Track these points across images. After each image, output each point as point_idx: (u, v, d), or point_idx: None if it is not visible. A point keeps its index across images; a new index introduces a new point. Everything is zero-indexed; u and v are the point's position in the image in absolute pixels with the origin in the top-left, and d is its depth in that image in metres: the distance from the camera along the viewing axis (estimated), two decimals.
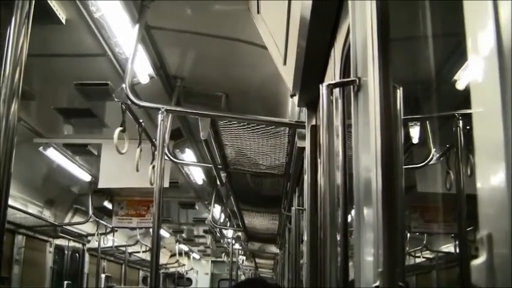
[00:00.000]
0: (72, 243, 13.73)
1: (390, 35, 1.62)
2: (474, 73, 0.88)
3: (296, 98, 4.03)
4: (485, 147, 0.87)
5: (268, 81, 6.15)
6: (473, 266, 0.91)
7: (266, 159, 7.07)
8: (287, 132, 5.85)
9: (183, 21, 5.78)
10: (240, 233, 16.50)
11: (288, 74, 3.97)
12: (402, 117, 1.80)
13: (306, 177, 3.97)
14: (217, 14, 5.58)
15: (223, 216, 14.36)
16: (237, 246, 18.99)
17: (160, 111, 5.01)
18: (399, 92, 1.77)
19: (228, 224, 15.55)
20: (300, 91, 3.83)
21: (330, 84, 2.13)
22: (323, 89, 2.09)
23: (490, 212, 0.87)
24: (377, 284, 1.46)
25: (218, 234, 16.57)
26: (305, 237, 4.08)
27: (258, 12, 4.74)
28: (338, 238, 2.40)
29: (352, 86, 1.95)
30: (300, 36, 3.15)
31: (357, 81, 1.89)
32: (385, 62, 1.50)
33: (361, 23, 1.82)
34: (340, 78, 2.64)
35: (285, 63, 4.01)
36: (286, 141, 6.16)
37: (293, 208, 6.10)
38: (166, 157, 6.30)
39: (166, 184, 8.08)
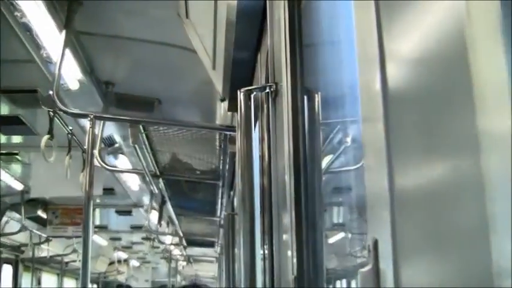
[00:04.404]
0: (4, 255, 13.34)
1: (304, 40, 1.62)
2: (360, 77, 0.89)
3: (226, 103, 4.02)
4: (370, 150, 0.87)
5: (200, 86, 6.12)
6: (360, 274, 0.87)
7: (200, 165, 7.03)
8: (219, 137, 5.82)
9: (113, 26, 5.69)
10: (178, 239, 16.40)
11: (217, 78, 3.96)
12: (321, 121, 1.81)
13: (237, 182, 3.96)
14: (148, 18, 5.52)
15: (162, 222, 14.23)
16: (176, 251, 18.87)
17: (88, 118, 4.92)
18: (317, 97, 1.77)
19: (166, 230, 15.42)
20: (229, 95, 3.83)
21: (247, 90, 2.12)
22: (240, 95, 2.08)
23: (375, 217, 0.85)
24: None
25: (156, 241, 16.42)
26: (237, 241, 4.08)
27: (187, 17, 4.71)
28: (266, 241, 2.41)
29: (270, 91, 1.95)
30: (227, 40, 3.14)
31: (274, 86, 1.89)
32: (294, 67, 1.50)
33: (277, 27, 1.82)
34: (265, 83, 2.65)
35: (214, 67, 4.01)
36: (219, 146, 6.14)
37: (224, 213, 6.09)
38: (98, 164, 6.21)
39: (98, 192, 7.95)
